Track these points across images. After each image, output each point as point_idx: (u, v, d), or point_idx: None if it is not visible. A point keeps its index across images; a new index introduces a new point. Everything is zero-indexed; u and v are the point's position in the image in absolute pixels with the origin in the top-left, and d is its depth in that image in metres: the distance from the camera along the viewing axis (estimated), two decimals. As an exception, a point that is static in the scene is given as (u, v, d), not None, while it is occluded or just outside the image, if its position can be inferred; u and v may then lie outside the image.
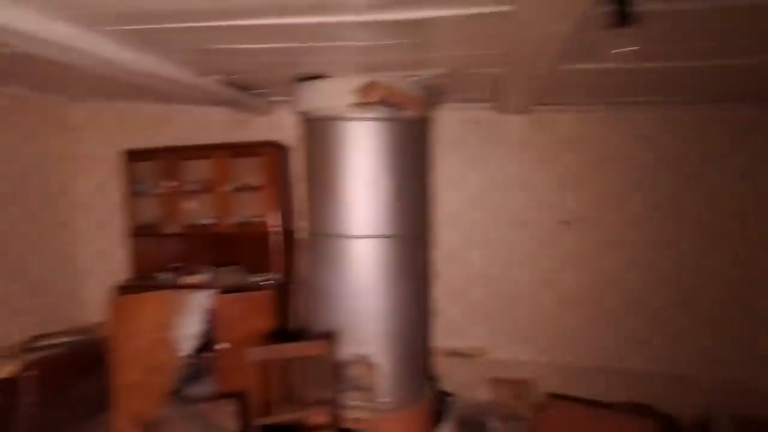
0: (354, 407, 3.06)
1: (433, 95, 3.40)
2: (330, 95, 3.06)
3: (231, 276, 3.84)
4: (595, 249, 3.86)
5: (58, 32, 2.03)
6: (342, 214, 3.11)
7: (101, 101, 4.29)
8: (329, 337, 3.01)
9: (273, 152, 3.79)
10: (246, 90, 3.51)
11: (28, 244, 3.91)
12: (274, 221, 3.76)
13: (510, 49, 2.29)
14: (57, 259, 4.19)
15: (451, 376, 3.94)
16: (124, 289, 3.88)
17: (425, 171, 3.58)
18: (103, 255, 4.42)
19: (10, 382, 3.13)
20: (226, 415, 2.71)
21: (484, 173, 3.95)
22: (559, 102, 3.71)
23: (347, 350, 3.08)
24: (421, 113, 3.28)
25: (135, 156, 4.00)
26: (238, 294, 3.57)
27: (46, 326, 3.94)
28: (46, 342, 3.62)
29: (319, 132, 3.17)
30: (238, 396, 3.01)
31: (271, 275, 3.81)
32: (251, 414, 2.65)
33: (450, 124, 3.94)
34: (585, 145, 3.82)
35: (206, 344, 3.61)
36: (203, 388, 3.56)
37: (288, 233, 3.95)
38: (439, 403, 3.61)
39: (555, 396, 3.73)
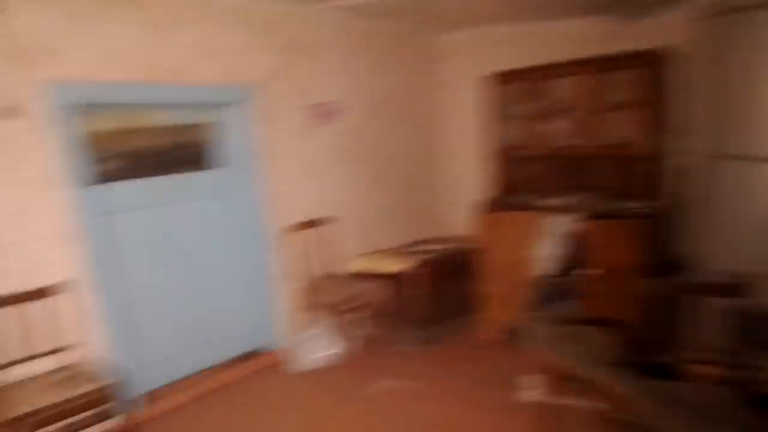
0: (761, 369, 2.55)
1: None
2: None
3: (594, 201, 3.64)
4: None
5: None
6: (759, 130, 2.46)
7: (463, 30, 4.48)
8: (744, 280, 2.51)
9: (649, 63, 3.25)
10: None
11: (409, 162, 4.57)
12: (647, 142, 3.31)
13: None
14: (428, 177, 4.80)
15: None
16: (487, 207, 4.16)
17: None
18: (458, 175, 4.84)
19: (409, 275, 3.83)
20: (602, 341, 2.63)
21: None
22: None
23: (752, 300, 2.54)
24: None
25: (499, 78, 4.09)
26: (604, 220, 3.35)
27: (418, 234, 4.64)
28: (423, 247, 4.26)
29: (731, 29, 2.51)
30: (608, 324, 2.89)
31: (643, 202, 3.44)
32: (630, 347, 2.50)
33: None
34: None
35: (568, 268, 3.59)
36: (563, 309, 3.60)
37: (662, 156, 3.45)
38: None
39: None
